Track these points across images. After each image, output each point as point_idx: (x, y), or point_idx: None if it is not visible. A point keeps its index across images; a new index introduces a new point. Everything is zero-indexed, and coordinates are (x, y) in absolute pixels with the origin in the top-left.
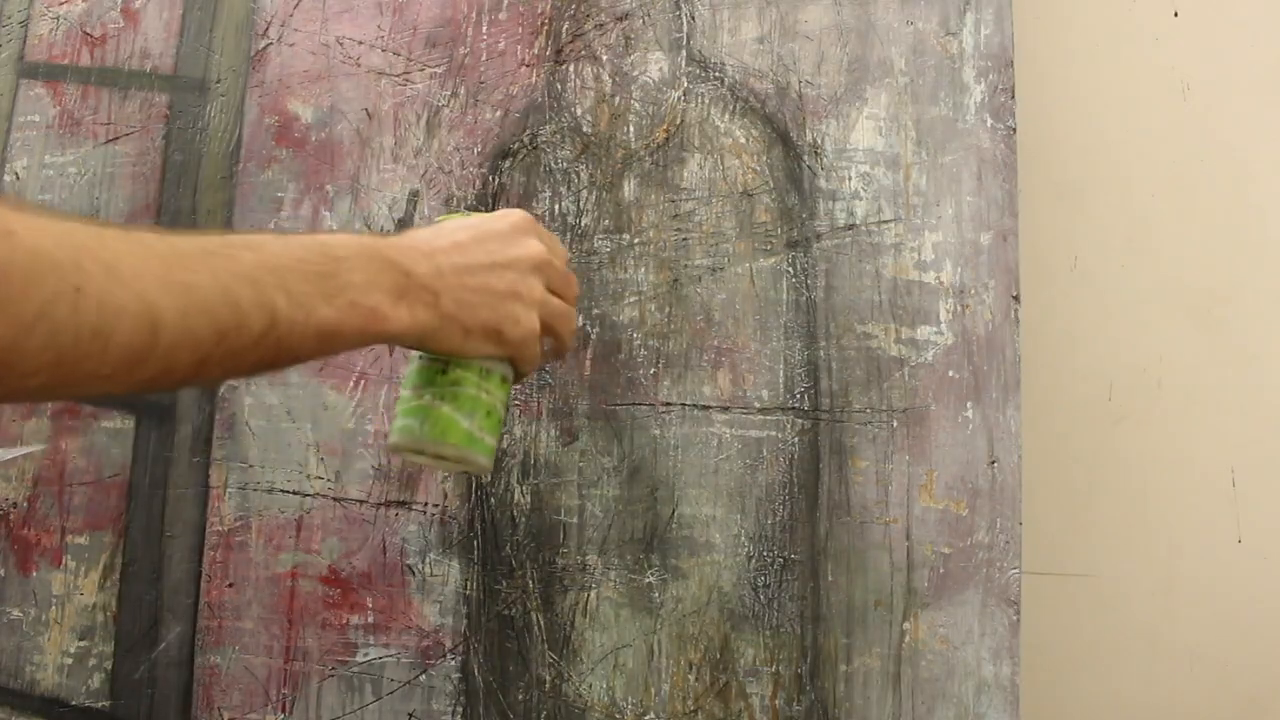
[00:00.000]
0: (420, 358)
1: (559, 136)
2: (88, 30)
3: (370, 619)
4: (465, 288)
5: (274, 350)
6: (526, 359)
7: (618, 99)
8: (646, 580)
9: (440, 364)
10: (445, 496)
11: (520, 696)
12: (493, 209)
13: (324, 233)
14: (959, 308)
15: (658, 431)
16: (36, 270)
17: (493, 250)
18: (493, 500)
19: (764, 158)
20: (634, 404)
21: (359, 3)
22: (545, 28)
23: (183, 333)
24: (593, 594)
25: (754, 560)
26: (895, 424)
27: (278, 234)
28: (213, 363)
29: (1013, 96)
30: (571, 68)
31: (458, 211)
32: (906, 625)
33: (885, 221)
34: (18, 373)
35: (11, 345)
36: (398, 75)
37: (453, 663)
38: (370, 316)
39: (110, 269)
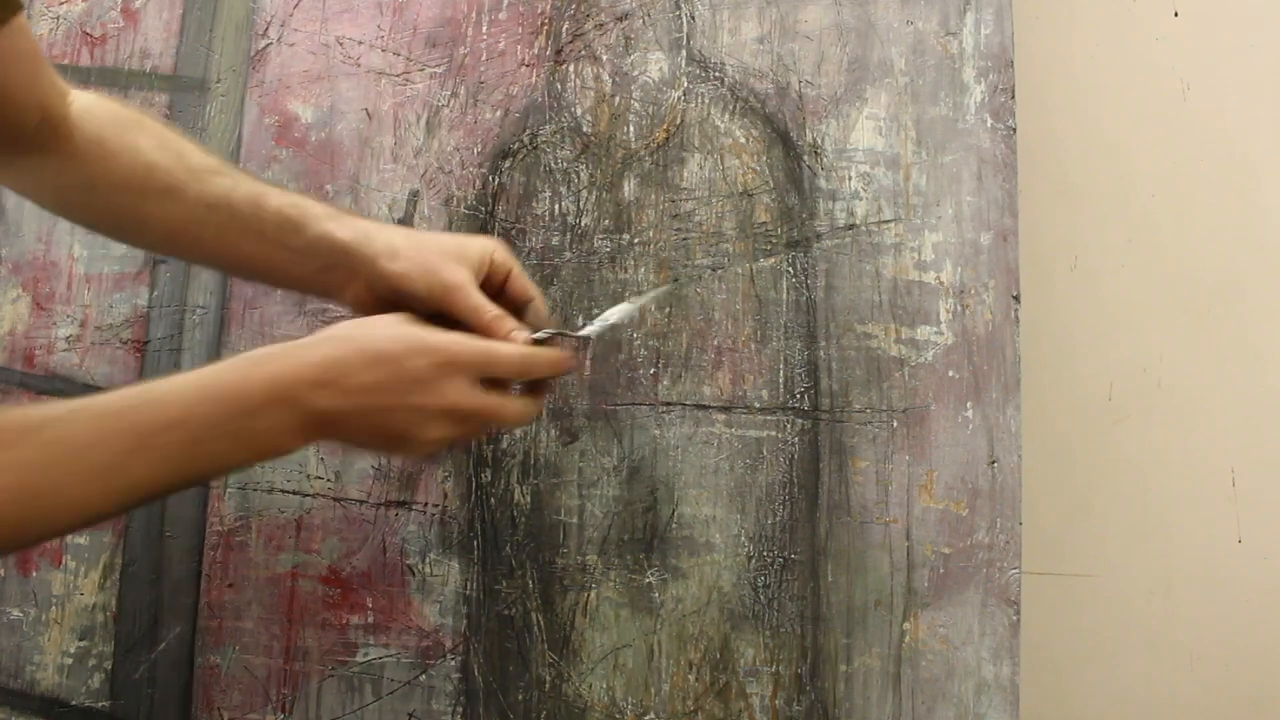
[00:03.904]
0: None
1: (559, 136)
2: (88, 30)
3: (370, 619)
4: (364, 425)
5: (190, 487)
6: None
7: (618, 99)
8: (646, 580)
9: None
10: (445, 496)
11: (520, 696)
12: (492, 209)
13: (246, 356)
14: (959, 308)
15: (658, 431)
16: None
17: (403, 394)
18: (493, 500)
19: (764, 158)
20: (634, 404)
21: (359, 3)
22: (545, 28)
23: (119, 514)
24: (593, 594)
25: (754, 560)
26: (895, 424)
27: (201, 388)
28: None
29: (1013, 96)
30: (571, 68)
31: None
32: (906, 625)
33: (885, 221)
34: None
35: None
36: (398, 75)
37: (453, 663)
38: (273, 453)
39: (56, 506)
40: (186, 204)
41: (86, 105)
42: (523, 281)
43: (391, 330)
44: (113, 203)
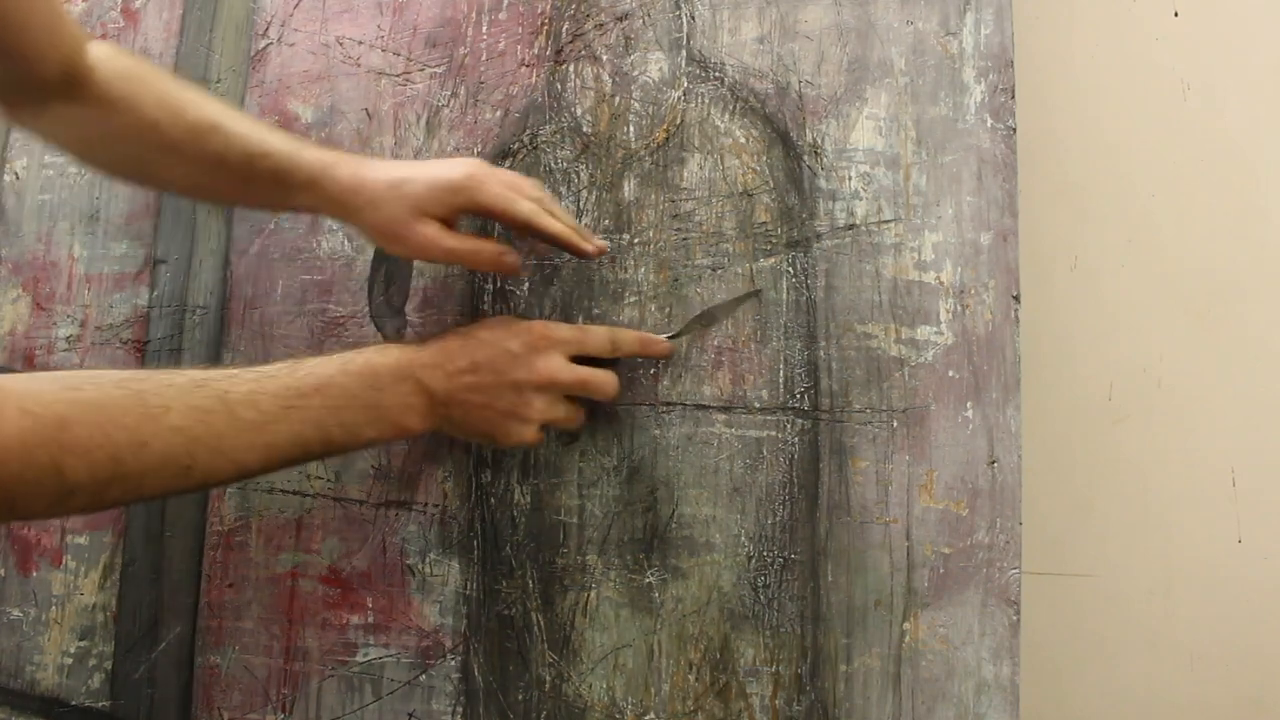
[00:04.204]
0: None
1: (559, 136)
2: (88, 30)
3: (370, 619)
4: (471, 404)
5: (322, 459)
6: (513, 449)
7: (618, 99)
8: (646, 580)
9: None
10: (445, 496)
11: (520, 696)
12: None
13: (372, 347)
14: (959, 308)
15: (658, 431)
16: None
17: (503, 372)
18: (493, 500)
19: (764, 158)
20: (634, 404)
21: (359, 3)
22: (545, 28)
23: (260, 473)
24: (593, 594)
25: (754, 560)
26: (895, 424)
27: (340, 363)
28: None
29: (1013, 96)
30: (571, 68)
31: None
32: (906, 625)
33: (885, 221)
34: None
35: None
36: (398, 75)
37: (453, 663)
38: (398, 430)
39: (215, 451)
40: (186, 162)
41: (100, 55)
42: (511, 210)
43: (495, 320)
44: (125, 154)
